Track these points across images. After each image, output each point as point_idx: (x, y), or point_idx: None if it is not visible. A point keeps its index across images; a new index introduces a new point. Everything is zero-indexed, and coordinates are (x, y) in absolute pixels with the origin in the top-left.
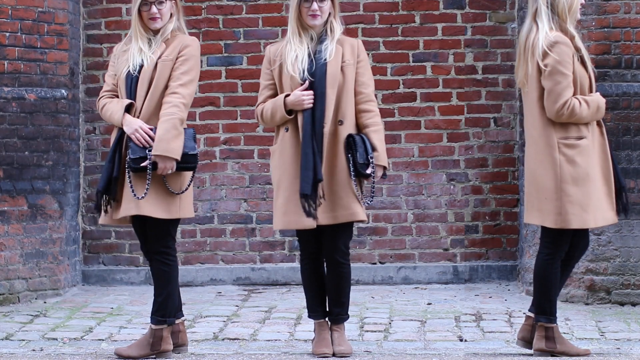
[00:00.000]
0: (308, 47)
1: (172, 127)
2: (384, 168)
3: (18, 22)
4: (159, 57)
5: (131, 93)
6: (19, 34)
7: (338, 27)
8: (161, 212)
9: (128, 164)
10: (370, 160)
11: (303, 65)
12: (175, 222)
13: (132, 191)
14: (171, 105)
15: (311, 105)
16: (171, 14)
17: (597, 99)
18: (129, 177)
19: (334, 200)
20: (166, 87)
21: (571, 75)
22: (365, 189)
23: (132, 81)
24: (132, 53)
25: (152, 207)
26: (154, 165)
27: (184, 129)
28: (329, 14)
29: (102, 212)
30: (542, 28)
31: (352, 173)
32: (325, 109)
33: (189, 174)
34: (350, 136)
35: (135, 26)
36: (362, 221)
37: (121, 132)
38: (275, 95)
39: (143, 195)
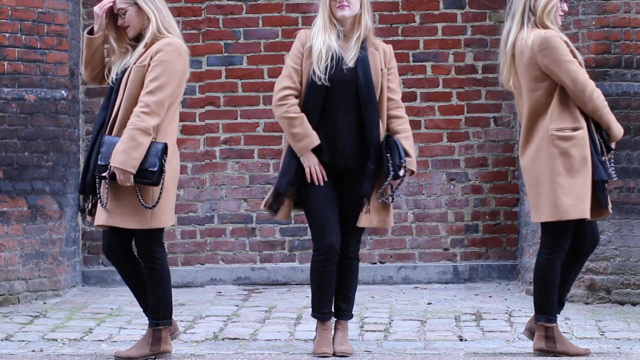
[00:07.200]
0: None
1: (128, 138)
2: (412, 172)
3: (18, 23)
4: (134, 63)
5: (110, 103)
6: (18, 34)
7: (366, 26)
8: (131, 222)
9: (95, 170)
10: (403, 163)
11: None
12: (157, 229)
13: (99, 198)
14: (133, 115)
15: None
16: (148, 18)
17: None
18: (97, 184)
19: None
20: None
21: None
22: (388, 189)
23: (110, 91)
24: (113, 65)
25: (121, 217)
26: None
27: (153, 142)
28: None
29: (85, 213)
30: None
31: (392, 173)
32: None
33: (158, 187)
34: (389, 136)
35: (110, 39)
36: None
37: (96, 134)
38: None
39: (105, 203)
